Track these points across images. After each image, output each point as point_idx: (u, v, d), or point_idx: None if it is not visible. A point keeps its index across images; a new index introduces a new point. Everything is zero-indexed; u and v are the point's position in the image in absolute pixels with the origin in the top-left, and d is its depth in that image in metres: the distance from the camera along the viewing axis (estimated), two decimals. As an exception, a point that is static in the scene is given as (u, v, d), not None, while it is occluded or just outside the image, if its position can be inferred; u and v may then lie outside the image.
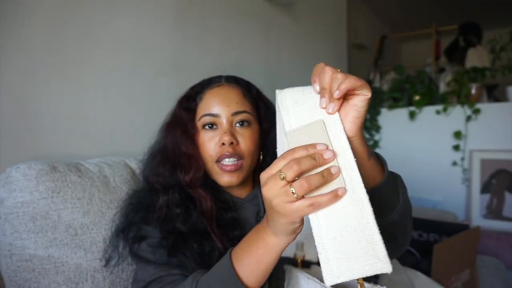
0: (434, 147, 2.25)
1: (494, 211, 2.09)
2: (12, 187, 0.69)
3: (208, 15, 1.39)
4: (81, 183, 0.76)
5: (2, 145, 0.81)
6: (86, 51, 0.98)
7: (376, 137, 2.43)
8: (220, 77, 0.77)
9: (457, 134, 2.15)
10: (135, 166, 0.91)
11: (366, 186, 0.42)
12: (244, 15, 1.58)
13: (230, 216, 0.70)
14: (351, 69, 2.70)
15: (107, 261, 0.72)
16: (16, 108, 0.84)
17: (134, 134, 1.09)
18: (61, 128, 0.92)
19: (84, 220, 0.74)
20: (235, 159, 0.69)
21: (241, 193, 0.76)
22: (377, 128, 2.42)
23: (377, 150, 0.93)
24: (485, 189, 2.11)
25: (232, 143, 0.69)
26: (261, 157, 0.77)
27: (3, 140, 0.81)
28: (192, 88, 0.77)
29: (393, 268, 1.11)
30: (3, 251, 0.68)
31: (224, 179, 0.70)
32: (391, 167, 0.56)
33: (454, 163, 2.19)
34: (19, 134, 0.84)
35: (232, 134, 0.70)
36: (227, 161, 0.69)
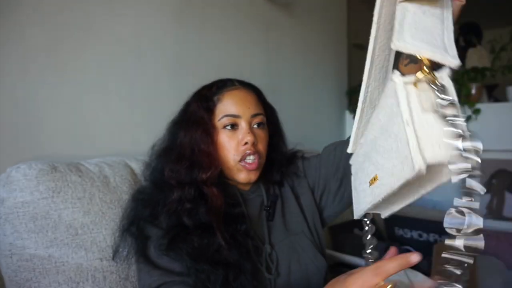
0: (434, 147, 2.25)
1: (494, 211, 2.09)
2: (12, 187, 0.69)
3: (208, 15, 1.39)
4: (81, 183, 0.76)
5: (2, 145, 0.81)
6: (86, 51, 0.98)
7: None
8: (231, 80, 0.80)
9: (457, 134, 2.15)
10: (135, 166, 0.91)
11: None
12: (244, 15, 1.58)
13: (238, 211, 0.73)
14: (351, 69, 2.70)
15: (115, 253, 0.74)
16: (16, 108, 0.84)
17: (134, 134, 1.09)
18: (61, 128, 0.92)
19: (84, 220, 0.74)
20: (255, 158, 0.74)
21: (246, 186, 0.81)
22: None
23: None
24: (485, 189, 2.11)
25: (254, 142, 0.74)
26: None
27: (3, 140, 0.81)
28: (208, 88, 0.79)
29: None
30: (3, 251, 0.68)
31: (243, 175, 0.75)
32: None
33: (454, 163, 2.19)
34: (19, 134, 0.84)
35: (254, 134, 0.74)
36: (250, 159, 0.74)
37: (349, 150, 0.54)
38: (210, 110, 0.76)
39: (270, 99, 0.86)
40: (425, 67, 0.36)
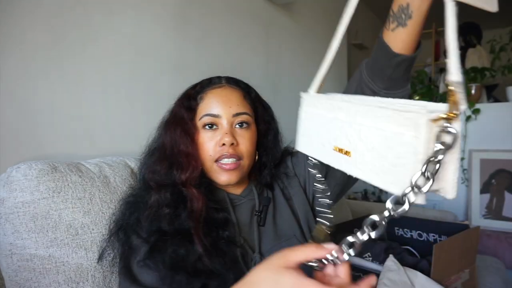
0: (434, 147, 2.25)
1: (494, 211, 2.09)
2: (12, 187, 0.69)
3: (208, 15, 1.39)
4: (81, 183, 0.76)
5: (2, 145, 0.81)
6: (86, 51, 0.98)
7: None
8: (220, 77, 0.78)
9: (457, 134, 2.15)
10: (135, 166, 0.91)
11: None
12: (244, 15, 1.58)
13: (221, 216, 0.70)
14: (351, 69, 2.70)
15: (100, 257, 0.72)
16: (16, 108, 0.84)
17: (134, 134, 1.09)
18: (61, 128, 0.92)
19: (84, 220, 0.74)
20: (234, 159, 0.71)
21: (237, 190, 0.78)
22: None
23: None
24: (484, 189, 2.11)
25: (232, 144, 0.70)
26: (256, 156, 0.79)
27: (3, 140, 0.81)
28: (193, 87, 0.77)
29: (393, 268, 1.10)
30: (3, 250, 0.68)
31: (223, 178, 0.71)
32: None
33: (454, 163, 2.19)
34: (19, 134, 0.84)
35: (233, 135, 0.71)
36: (226, 161, 0.70)
37: (310, 91, 0.60)
38: (192, 109, 0.73)
39: (270, 99, 0.86)
40: (454, 112, 0.32)
